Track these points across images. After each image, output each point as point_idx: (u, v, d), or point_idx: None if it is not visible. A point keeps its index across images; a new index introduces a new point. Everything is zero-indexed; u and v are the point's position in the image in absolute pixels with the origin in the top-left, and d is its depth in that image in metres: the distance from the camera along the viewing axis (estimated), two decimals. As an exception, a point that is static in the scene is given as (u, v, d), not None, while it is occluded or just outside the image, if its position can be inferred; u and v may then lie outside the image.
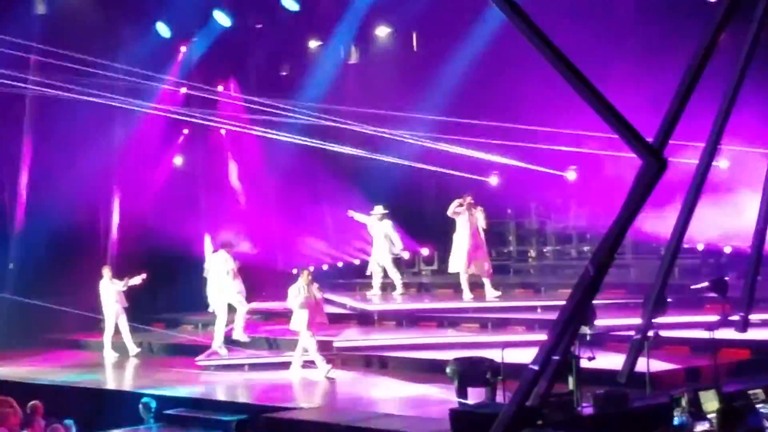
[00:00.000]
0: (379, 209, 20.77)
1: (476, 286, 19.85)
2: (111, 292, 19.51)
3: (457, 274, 19.70)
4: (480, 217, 19.43)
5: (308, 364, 16.75)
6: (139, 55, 22.16)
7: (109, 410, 15.41)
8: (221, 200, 23.99)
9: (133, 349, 19.63)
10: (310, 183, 23.30)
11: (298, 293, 16.57)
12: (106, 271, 19.75)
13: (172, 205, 22.25)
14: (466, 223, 19.40)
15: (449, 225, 20.22)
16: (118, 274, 19.81)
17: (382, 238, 20.72)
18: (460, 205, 19.42)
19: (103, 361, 19.45)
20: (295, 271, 17.19)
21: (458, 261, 19.50)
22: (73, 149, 21.08)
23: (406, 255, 22.94)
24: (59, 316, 20.37)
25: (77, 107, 20.69)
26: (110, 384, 17.66)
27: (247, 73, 24.29)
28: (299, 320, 16.55)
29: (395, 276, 21.01)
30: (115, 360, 19.44)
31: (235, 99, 23.76)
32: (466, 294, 19.51)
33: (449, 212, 19.53)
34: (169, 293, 21.80)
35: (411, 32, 23.63)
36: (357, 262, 23.50)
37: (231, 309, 18.80)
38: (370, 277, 21.18)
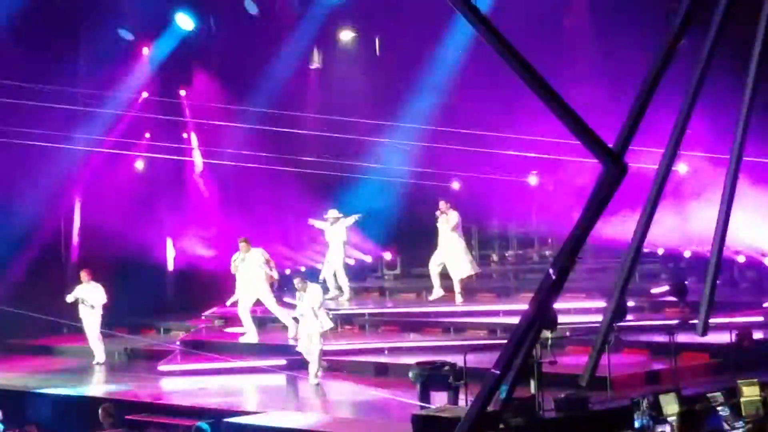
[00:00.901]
0: (333, 213, 20.59)
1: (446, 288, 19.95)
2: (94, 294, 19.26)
3: (428, 276, 19.88)
4: (452, 220, 19.55)
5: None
6: (101, 58, 22.09)
7: (70, 416, 15.30)
8: (183, 205, 23.88)
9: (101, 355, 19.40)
10: (274, 187, 23.23)
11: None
12: (87, 274, 19.45)
13: (134, 210, 22.13)
14: (446, 225, 19.49)
15: (413, 229, 20.27)
16: (79, 278, 19.61)
17: (337, 243, 20.53)
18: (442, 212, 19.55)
19: (64, 366, 19.27)
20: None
21: (466, 264, 19.62)
22: (34, 153, 20.91)
23: (368, 259, 22.99)
24: (21, 321, 20.21)
25: (38, 111, 20.55)
26: (71, 390, 17.51)
27: (210, 76, 24.20)
28: (318, 324, 16.30)
29: (343, 281, 20.85)
30: (78, 365, 19.25)
31: (196, 103, 23.71)
32: (459, 298, 19.57)
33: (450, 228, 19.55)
34: (131, 298, 21.65)
35: (374, 37, 23.67)
36: (320, 266, 23.43)
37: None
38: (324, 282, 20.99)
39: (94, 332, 19.24)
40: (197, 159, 24.40)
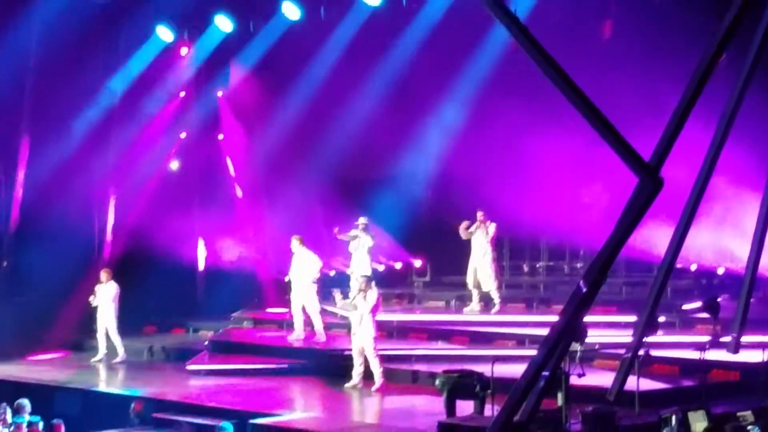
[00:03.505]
0: (362, 220, 19.91)
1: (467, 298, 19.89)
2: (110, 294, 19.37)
3: (458, 285, 19.84)
4: (491, 231, 19.50)
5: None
6: (140, 57, 22.24)
7: (98, 411, 15.38)
8: (216, 206, 23.96)
9: (121, 352, 19.49)
10: (305, 190, 23.24)
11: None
12: (106, 274, 19.59)
13: (167, 209, 22.23)
14: (484, 239, 19.44)
15: (443, 237, 20.22)
16: (113, 276, 19.72)
17: (364, 250, 19.78)
18: (470, 225, 19.44)
19: (93, 362, 19.39)
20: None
21: (491, 278, 19.57)
22: (71, 149, 21.07)
23: (398, 265, 22.96)
24: (54, 317, 20.35)
25: (75, 107, 20.72)
26: (100, 386, 17.61)
27: (248, 78, 24.24)
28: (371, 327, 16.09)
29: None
30: (107, 362, 19.34)
31: (233, 105, 23.83)
32: (497, 307, 19.61)
33: (462, 235, 19.49)
34: (161, 297, 21.75)
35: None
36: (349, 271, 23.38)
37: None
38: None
39: (112, 329, 19.29)
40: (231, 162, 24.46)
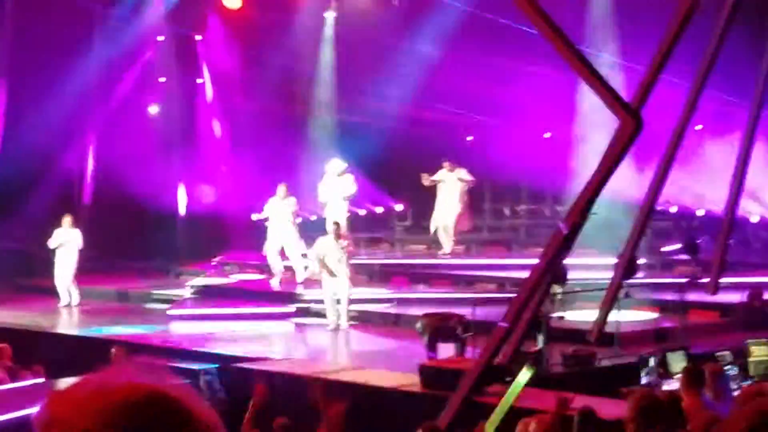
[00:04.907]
0: (338, 163, 19.46)
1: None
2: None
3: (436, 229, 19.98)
4: (463, 175, 19.60)
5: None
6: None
7: (80, 357, 15.38)
8: (195, 150, 23.84)
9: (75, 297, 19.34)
10: (286, 137, 23.14)
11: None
12: (69, 219, 19.39)
13: (147, 154, 22.09)
14: (454, 185, 19.53)
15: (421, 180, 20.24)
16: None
17: (341, 198, 19.24)
18: (432, 174, 19.57)
19: (71, 306, 19.32)
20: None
21: (465, 220, 19.76)
22: (47, 94, 20.87)
23: (379, 210, 22.95)
24: (32, 262, 20.27)
25: (52, 51, 20.48)
26: (81, 331, 17.60)
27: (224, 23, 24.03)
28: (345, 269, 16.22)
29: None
30: (89, 307, 19.28)
31: (213, 46, 23.61)
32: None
33: (425, 183, 19.58)
34: (142, 242, 21.70)
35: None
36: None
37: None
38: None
39: (69, 276, 19.13)
40: (208, 92, 24.23)
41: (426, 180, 19.67)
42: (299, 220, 19.26)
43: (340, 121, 22.68)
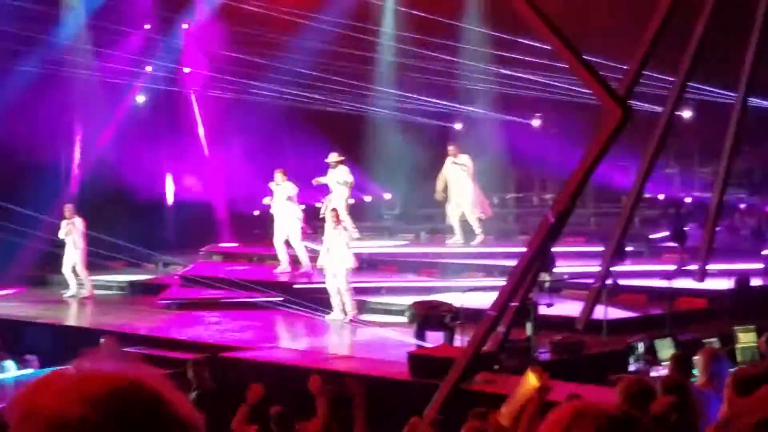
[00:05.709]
0: (334, 156, 19.59)
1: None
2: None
3: (428, 217, 19.88)
4: (464, 161, 19.39)
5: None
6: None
7: (70, 346, 15.35)
8: (182, 140, 23.79)
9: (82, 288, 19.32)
10: (275, 126, 23.10)
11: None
12: (70, 209, 19.39)
13: (134, 144, 22.05)
14: (462, 171, 19.31)
15: (412, 170, 20.20)
16: (80, 211, 19.58)
17: (338, 186, 19.44)
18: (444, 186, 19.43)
19: (63, 297, 19.30)
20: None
21: (486, 207, 19.62)
22: (34, 85, 20.79)
23: (368, 198, 22.96)
24: (21, 252, 20.20)
25: (38, 42, 20.41)
26: (70, 321, 17.59)
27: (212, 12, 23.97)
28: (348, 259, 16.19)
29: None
30: (77, 297, 19.26)
31: (198, 38, 23.55)
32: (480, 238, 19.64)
33: (439, 198, 19.50)
34: (130, 232, 21.65)
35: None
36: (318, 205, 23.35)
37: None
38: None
39: (79, 264, 19.12)
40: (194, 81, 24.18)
41: (439, 195, 19.53)
42: (302, 206, 19.00)
43: (326, 111, 22.66)
